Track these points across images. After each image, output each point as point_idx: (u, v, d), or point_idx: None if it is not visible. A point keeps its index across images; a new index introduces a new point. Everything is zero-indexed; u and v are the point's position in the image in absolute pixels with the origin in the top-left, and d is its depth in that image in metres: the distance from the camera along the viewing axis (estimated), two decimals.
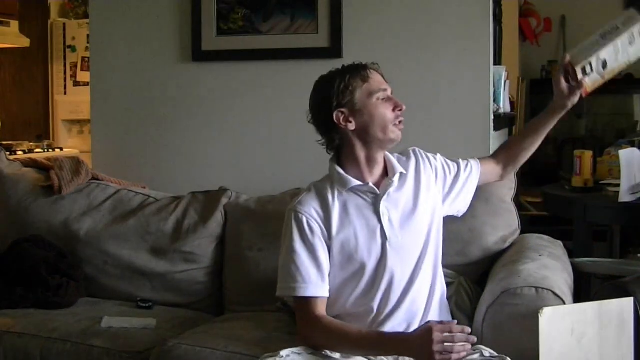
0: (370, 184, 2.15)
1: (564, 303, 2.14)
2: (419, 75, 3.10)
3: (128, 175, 3.30)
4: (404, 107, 2.16)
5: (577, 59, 2.24)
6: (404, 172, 2.20)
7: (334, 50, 3.16)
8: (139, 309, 2.84)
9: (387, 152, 2.22)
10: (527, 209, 4.77)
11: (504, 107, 3.56)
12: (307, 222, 2.12)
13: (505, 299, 2.17)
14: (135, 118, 3.43)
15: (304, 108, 3.24)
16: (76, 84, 6.09)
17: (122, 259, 2.98)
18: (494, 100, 3.26)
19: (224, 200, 2.99)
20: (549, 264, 2.40)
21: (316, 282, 2.09)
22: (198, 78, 3.34)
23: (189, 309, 2.90)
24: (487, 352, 2.04)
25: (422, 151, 2.32)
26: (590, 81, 2.25)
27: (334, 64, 3.22)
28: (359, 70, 2.15)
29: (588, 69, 2.23)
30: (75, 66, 6.10)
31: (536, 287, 2.17)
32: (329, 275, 2.12)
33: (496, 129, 3.27)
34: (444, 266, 2.29)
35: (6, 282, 2.83)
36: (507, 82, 3.66)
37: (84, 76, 5.90)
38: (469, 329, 1.94)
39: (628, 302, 2.17)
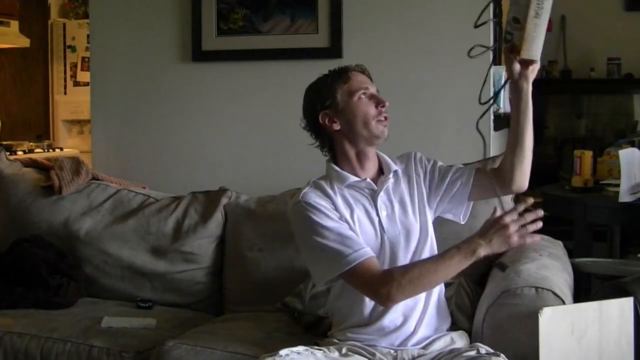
0: (368, 180, 2.20)
1: (564, 303, 2.14)
2: (418, 75, 3.10)
3: (128, 175, 3.30)
4: (387, 103, 2.18)
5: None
6: (399, 170, 2.25)
7: (334, 50, 3.16)
8: (139, 309, 2.84)
9: (381, 153, 2.27)
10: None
11: (504, 107, 3.56)
12: (319, 203, 2.14)
13: (505, 299, 2.17)
14: (135, 118, 3.44)
15: None
16: (76, 84, 6.09)
17: (122, 259, 2.98)
18: (494, 101, 3.26)
19: (224, 200, 2.99)
20: (549, 264, 2.39)
21: (364, 243, 2.09)
22: (198, 78, 3.34)
23: (189, 309, 2.90)
24: (484, 349, 2.04)
25: (418, 154, 2.33)
26: (517, 39, 2.13)
27: (334, 64, 3.21)
28: (340, 73, 2.23)
29: (508, 37, 2.15)
30: (75, 66, 6.10)
31: (536, 287, 2.16)
32: None
33: (496, 129, 3.27)
34: None
35: (6, 282, 2.83)
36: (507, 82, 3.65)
37: (84, 76, 5.90)
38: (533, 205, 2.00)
39: (628, 302, 2.17)
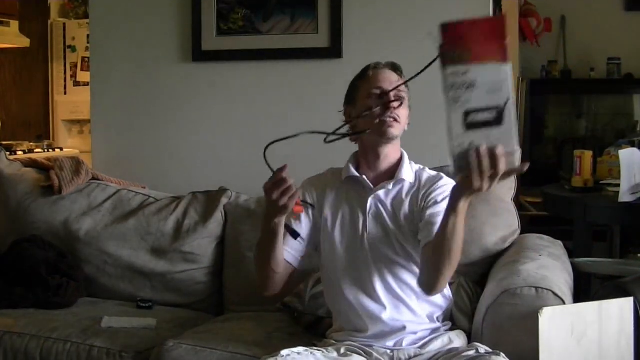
0: (364, 177, 2.21)
1: (564, 303, 2.14)
2: (418, 75, 3.09)
3: (128, 175, 3.30)
4: (396, 104, 2.16)
5: None
6: (406, 181, 2.21)
7: (334, 50, 3.16)
8: (139, 309, 2.84)
9: (407, 159, 2.24)
10: (527, 209, 4.77)
11: None
12: (303, 194, 2.25)
13: (505, 299, 2.17)
14: (135, 118, 3.43)
15: (304, 108, 3.26)
16: (76, 84, 6.10)
17: (122, 259, 2.98)
18: None
19: (224, 200, 2.99)
20: (549, 264, 2.39)
21: (297, 248, 2.20)
22: (198, 78, 3.34)
23: (189, 309, 2.90)
24: (483, 349, 2.04)
25: (440, 184, 2.19)
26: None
27: (334, 64, 3.23)
28: (363, 71, 2.25)
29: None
30: (75, 66, 6.11)
31: (536, 287, 2.16)
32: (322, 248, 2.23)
33: None
34: None
35: (6, 282, 2.83)
36: None
37: (84, 76, 5.90)
38: None
39: (628, 302, 2.17)
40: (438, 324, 2.20)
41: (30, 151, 5.38)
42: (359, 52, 3.15)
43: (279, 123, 3.24)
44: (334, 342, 2.17)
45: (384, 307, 2.14)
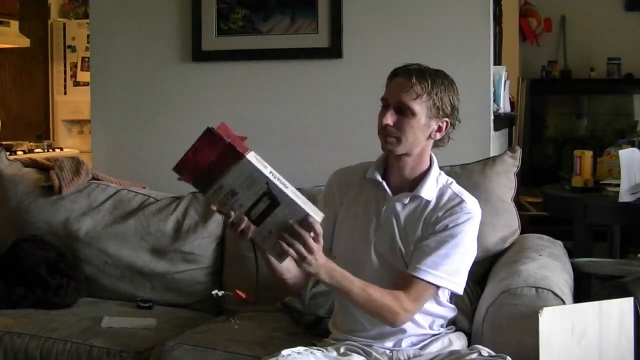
0: (384, 183, 2.12)
1: (564, 303, 2.14)
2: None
3: (128, 175, 3.30)
4: (384, 123, 2.03)
5: None
6: (426, 198, 2.09)
7: (334, 50, 3.16)
8: (139, 309, 2.84)
9: (433, 175, 2.11)
10: (527, 209, 4.77)
11: (504, 107, 3.57)
12: (331, 184, 2.23)
13: (505, 299, 2.17)
14: (136, 118, 3.43)
15: (303, 108, 3.26)
16: (76, 84, 6.09)
17: (122, 259, 2.98)
18: (494, 100, 3.26)
19: None
20: (549, 264, 2.39)
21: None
22: (198, 78, 3.34)
23: (189, 309, 2.90)
24: (485, 351, 2.04)
25: (462, 209, 2.08)
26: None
27: (334, 64, 3.23)
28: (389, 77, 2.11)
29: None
30: (75, 66, 6.10)
31: (536, 287, 2.16)
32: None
33: (496, 129, 3.27)
34: None
35: (6, 282, 2.83)
36: (507, 82, 3.66)
37: (84, 76, 5.90)
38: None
39: (628, 302, 2.17)
40: (440, 330, 2.18)
41: (30, 151, 5.38)
42: (359, 52, 3.16)
43: (279, 123, 3.25)
44: (333, 341, 2.16)
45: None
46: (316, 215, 1.82)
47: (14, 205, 3.11)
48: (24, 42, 5.76)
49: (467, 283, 2.46)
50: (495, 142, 3.21)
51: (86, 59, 5.70)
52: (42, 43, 6.11)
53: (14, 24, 5.65)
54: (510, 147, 2.94)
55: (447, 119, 2.10)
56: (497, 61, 3.87)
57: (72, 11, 6.22)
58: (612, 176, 3.77)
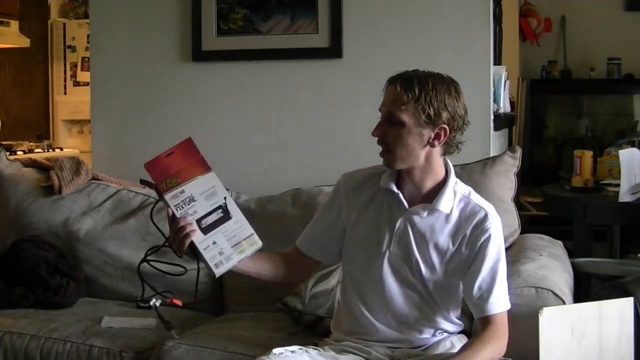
0: (400, 195, 2.05)
1: (564, 303, 2.14)
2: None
3: (128, 175, 3.30)
4: (372, 134, 2.02)
5: None
6: (444, 212, 2.03)
7: (334, 50, 3.16)
8: (139, 309, 2.84)
9: (450, 189, 2.04)
10: (527, 209, 4.77)
11: (504, 107, 3.57)
12: (340, 187, 2.17)
13: None
14: (135, 118, 3.43)
15: (303, 108, 3.26)
16: (76, 84, 6.09)
17: (122, 259, 2.98)
18: (494, 100, 3.26)
19: None
20: (549, 264, 2.39)
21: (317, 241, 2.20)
22: (198, 78, 3.34)
23: (189, 309, 2.89)
24: None
25: (489, 223, 2.03)
26: None
27: (334, 64, 3.23)
28: None
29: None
30: (75, 66, 6.10)
31: (536, 287, 2.17)
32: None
33: (496, 129, 3.27)
34: None
35: (6, 282, 2.83)
36: (507, 82, 3.66)
37: (84, 76, 5.90)
38: None
39: (628, 302, 2.17)
40: (443, 335, 2.16)
41: (30, 151, 5.38)
42: (359, 52, 3.16)
43: (279, 123, 3.25)
44: (334, 342, 2.16)
45: (388, 326, 2.10)
46: (258, 241, 2.02)
47: (14, 205, 3.11)
48: (24, 42, 5.76)
49: None
50: (495, 142, 3.21)
51: (86, 59, 5.70)
52: (42, 43, 6.11)
53: (14, 24, 5.65)
54: (510, 147, 2.94)
55: (444, 126, 1.99)
56: (497, 61, 3.87)
57: (72, 11, 6.22)
58: (612, 176, 3.78)
